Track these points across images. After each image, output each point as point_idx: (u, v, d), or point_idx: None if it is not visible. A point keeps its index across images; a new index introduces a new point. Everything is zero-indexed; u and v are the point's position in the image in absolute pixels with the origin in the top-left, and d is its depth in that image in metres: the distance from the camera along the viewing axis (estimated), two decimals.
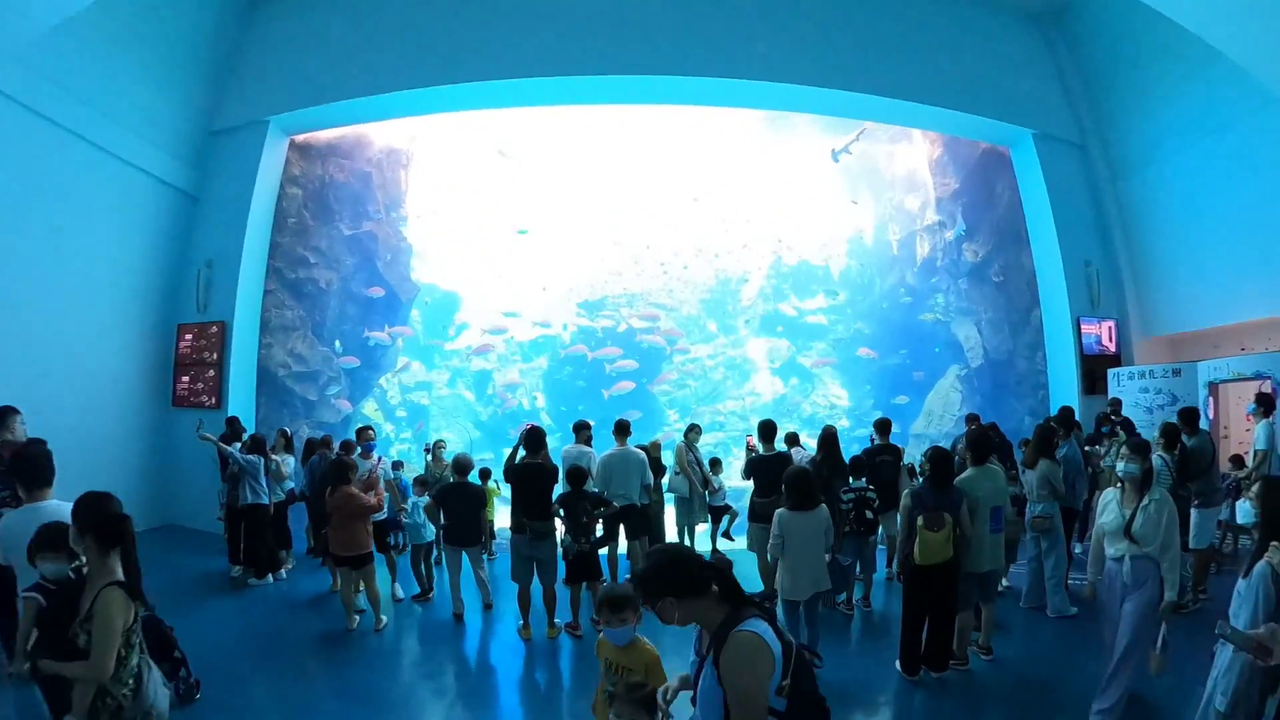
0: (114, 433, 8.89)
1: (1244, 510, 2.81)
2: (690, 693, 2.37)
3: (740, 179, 17.69)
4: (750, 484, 6.85)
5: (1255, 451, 6.62)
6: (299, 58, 10.26)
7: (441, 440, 8.91)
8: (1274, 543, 3.09)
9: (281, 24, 10.51)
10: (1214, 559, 6.48)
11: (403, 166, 13.42)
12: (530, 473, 5.96)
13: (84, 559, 2.79)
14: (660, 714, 2.57)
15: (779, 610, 4.84)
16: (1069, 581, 6.24)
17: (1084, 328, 10.22)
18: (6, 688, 3.42)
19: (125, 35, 8.77)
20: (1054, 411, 10.54)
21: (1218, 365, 8.24)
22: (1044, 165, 10.49)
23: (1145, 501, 4.03)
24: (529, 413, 16.60)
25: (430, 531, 6.99)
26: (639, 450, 7.24)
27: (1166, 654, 3.81)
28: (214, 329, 9.88)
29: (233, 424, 8.50)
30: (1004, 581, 6.53)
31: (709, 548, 8.45)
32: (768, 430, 6.80)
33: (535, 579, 5.98)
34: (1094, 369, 10.16)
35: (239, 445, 7.63)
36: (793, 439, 8.13)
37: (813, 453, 7.21)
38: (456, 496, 6.47)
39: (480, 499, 6.72)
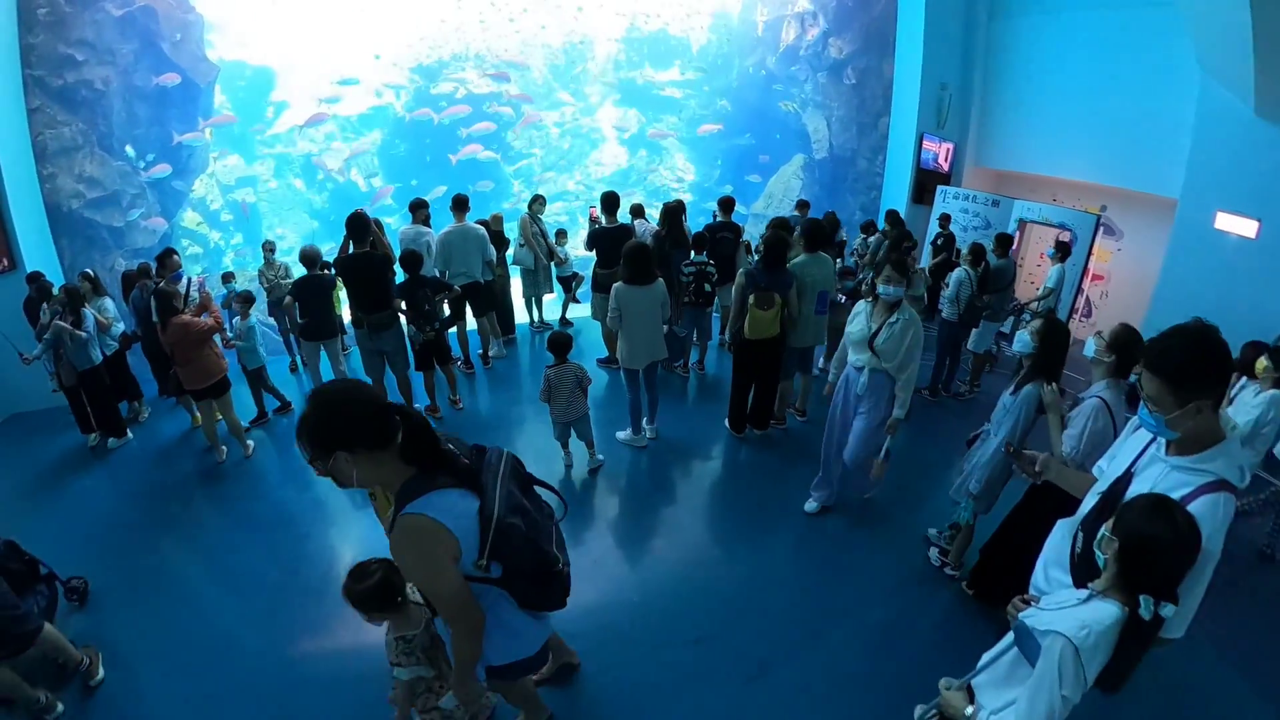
0: None
1: (1022, 340, 3.51)
2: None
3: None
4: (594, 254, 7.03)
5: (1045, 287, 7.98)
6: None
7: (270, 241, 8.28)
8: (1043, 381, 3.50)
9: None
10: (990, 361, 7.98)
11: None
12: (359, 264, 5.65)
13: None
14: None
15: (622, 375, 5.57)
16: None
17: (925, 144, 10.96)
18: None
19: None
20: (882, 210, 11.97)
21: (1031, 207, 9.56)
22: None
23: (894, 318, 4.06)
24: (364, 195, 15.20)
25: (262, 355, 6.49)
26: (478, 226, 7.08)
27: (887, 463, 4.26)
28: None
29: (36, 281, 7.30)
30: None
31: (559, 316, 9.05)
32: (610, 202, 6.84)
33: (389, 370, 6.05)
34: (925, 183, 11.15)
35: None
36: (637, 210, 7.97)
37: (656, 225, 7.31)
38: (310, 290, 6.32)
39: (330, 289, 6.58)
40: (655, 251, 6.50)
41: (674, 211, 6.93)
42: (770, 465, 5.57)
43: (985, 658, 2.17)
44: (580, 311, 9.15)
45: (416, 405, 6.32)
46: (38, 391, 8.18)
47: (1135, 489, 2.06)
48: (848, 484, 4.79)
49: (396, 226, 12.26)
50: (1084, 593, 1.92)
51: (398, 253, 6.23)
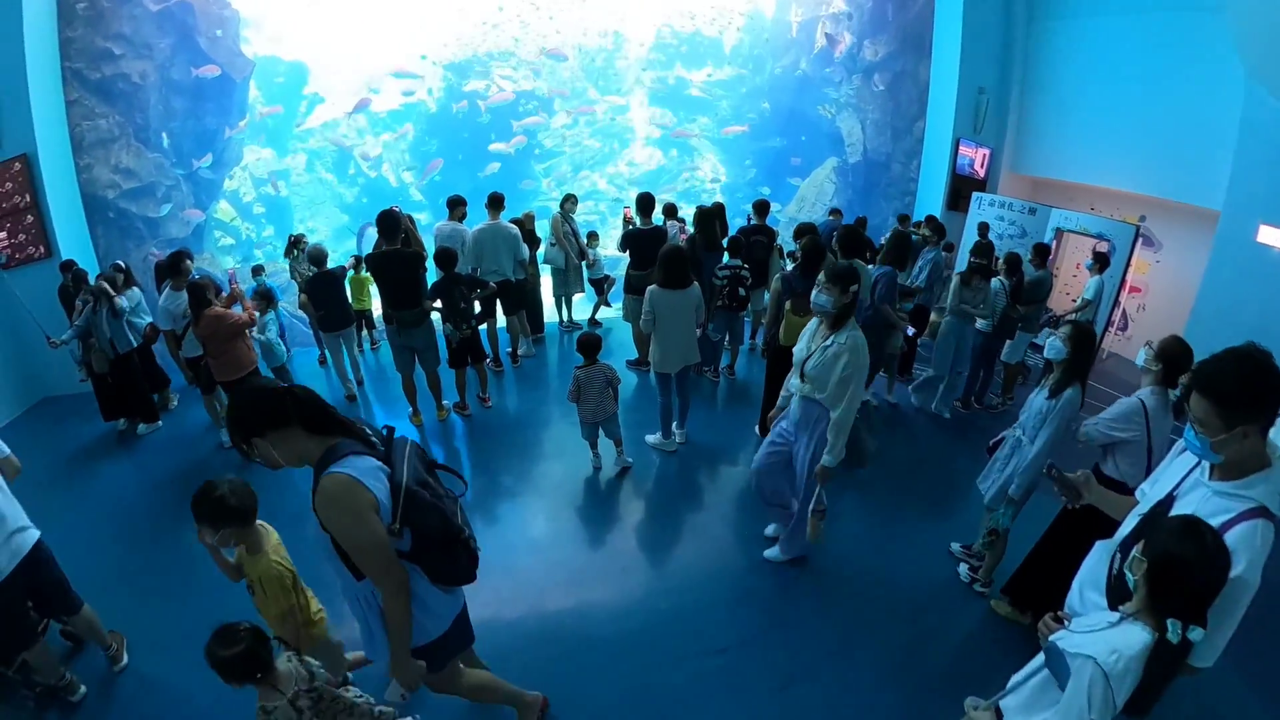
0: None
1: (1054, 347, 3.49)
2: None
3: None
4: (626, 255, 7.10)
5: (1082, 299, 7.88)
6: None
7: (299, 235, 8.48)
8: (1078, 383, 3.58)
9: None
10: (1022, 372, 7.90)
11: None
12: (389, 261, 5.67)
13: None
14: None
15: (652, 378, 5.62)
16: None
17: (962, 149, 10.85)
18: None
19: None
20: (917, 217, 11.85)
21: (1068, 216, 9.43)
22: None
23: (828, 341, 3.61)
24: (395, 191, 15.43)
25: (284, 353, 6.58)
26: (511, 224, 7.15)
27: (820, 522, 3.81)
28: (16, 166, 8.01)
29: (70, 269, 7.43)
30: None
31: (588, 317, 9.12)
32: (645, 203, 6.87)
33: (419, 366, 6.13)
34: (960, 189, 11.03)
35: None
36: (670, 211, 8.17)
37: (690, 227, 7.41)
38: (320, 286, 6.70)
39: (341, 282, 6.90)
40: (690, 251, 6.62)
41: (708, 215, 6.94)
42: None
43: (1015, 679, 2.18)
44: (610, 313, 9.25)
45: (446, 402, 6.47)
46: (69, 377, 8.42)
47: (1176, 513, 2.05)
48: (792, 539, 4.33)
49: (429, 223, 12.55)
50: (1115, 615, 1.93)
51: (431, 250, 6.32)
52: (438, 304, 5.93)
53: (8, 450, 3.22)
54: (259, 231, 13.65)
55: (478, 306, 6.41)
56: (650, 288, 5.17)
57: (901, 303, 6.27)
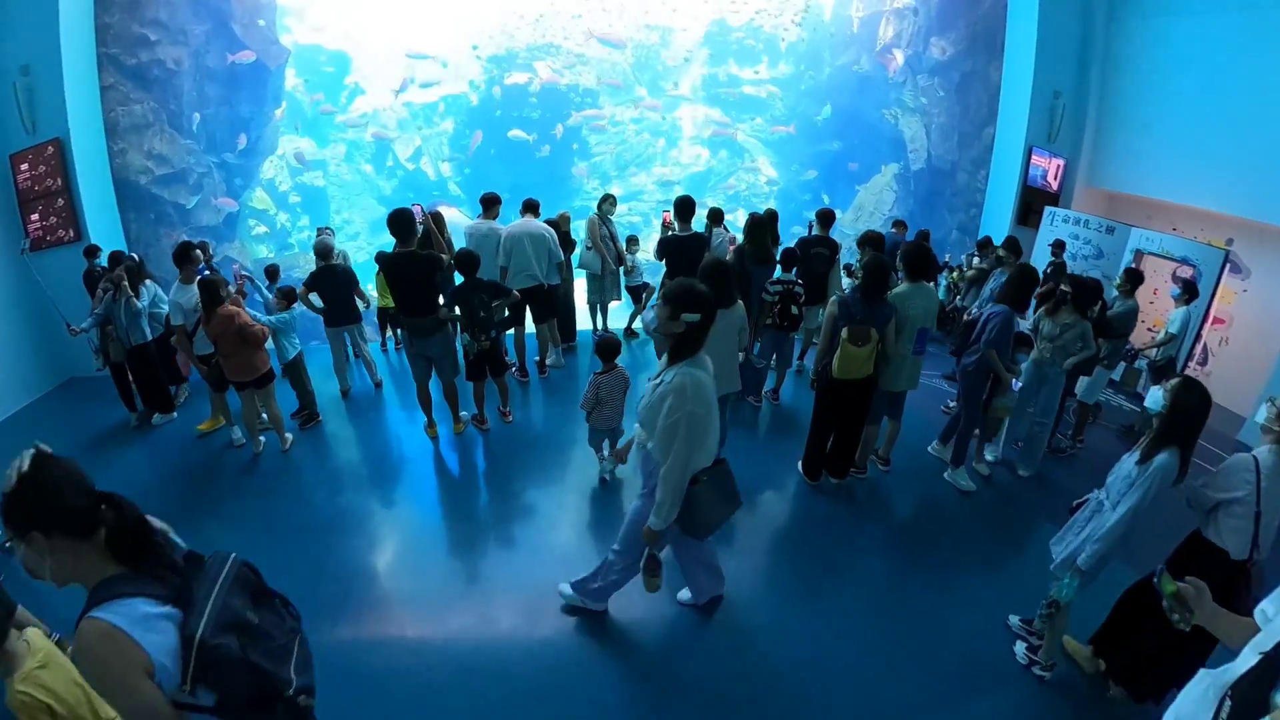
0: None
1: (1155, 397, 2.99)
2: None
3: None
4: (663, 264, 6.65)
5: (1166, 333, 7.04)
6: None
7: (326, 228, 8.40)
8: (1177, 450, 3.11)
9: None
10: (1095, 414, 7.17)
11: None
12: (400, 263, 5.38)
13: None
14: None
15: None
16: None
17: (1034, 158, 10.21)
18: None
19: None
20: (984, 232, 11.21)
21: (1150, 236, 8.69)
22: None
23: (658, 379, 3.17)
24: (434, 184, 15.34)
25: (296, 344, 6.51)
26: (544, 225, 6.88)
27: (653, 578, 3.45)
28: (49, 150, 8.07)
29: (95, 255, 7.55)
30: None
31: (624, 326, 8.75)
32: (685, 207, 6.42)
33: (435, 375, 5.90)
34: (1031, 202, 10.39)
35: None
36: (716, 217, 7.61)
37: (738, 235, 7.06)
38: (325, 280, 6.65)
39: (349, 278, 6.79)
40: (737, 264, 6.22)
41: (759, 223, 6.43)
42: (844, 521, 5.06)
43: None
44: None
45: (463, 414, 6.22)
46: (93, 360, 8.45)
47: None
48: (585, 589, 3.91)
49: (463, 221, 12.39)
50: None
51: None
52: (456, 311, 5.63)
53: None
54: (294, 221, 13.68)
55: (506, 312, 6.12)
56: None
57: (1017, 352, 5.51)
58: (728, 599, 4.11)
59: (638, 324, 8.72)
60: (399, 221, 5.35)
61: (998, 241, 8.08)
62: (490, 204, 6.93)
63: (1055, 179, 10.40)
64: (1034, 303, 5.81)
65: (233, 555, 1.88)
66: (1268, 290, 8.21)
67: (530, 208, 6.86)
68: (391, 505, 5.27)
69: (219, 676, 1.63)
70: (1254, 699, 1.55)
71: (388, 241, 5.53)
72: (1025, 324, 5.71)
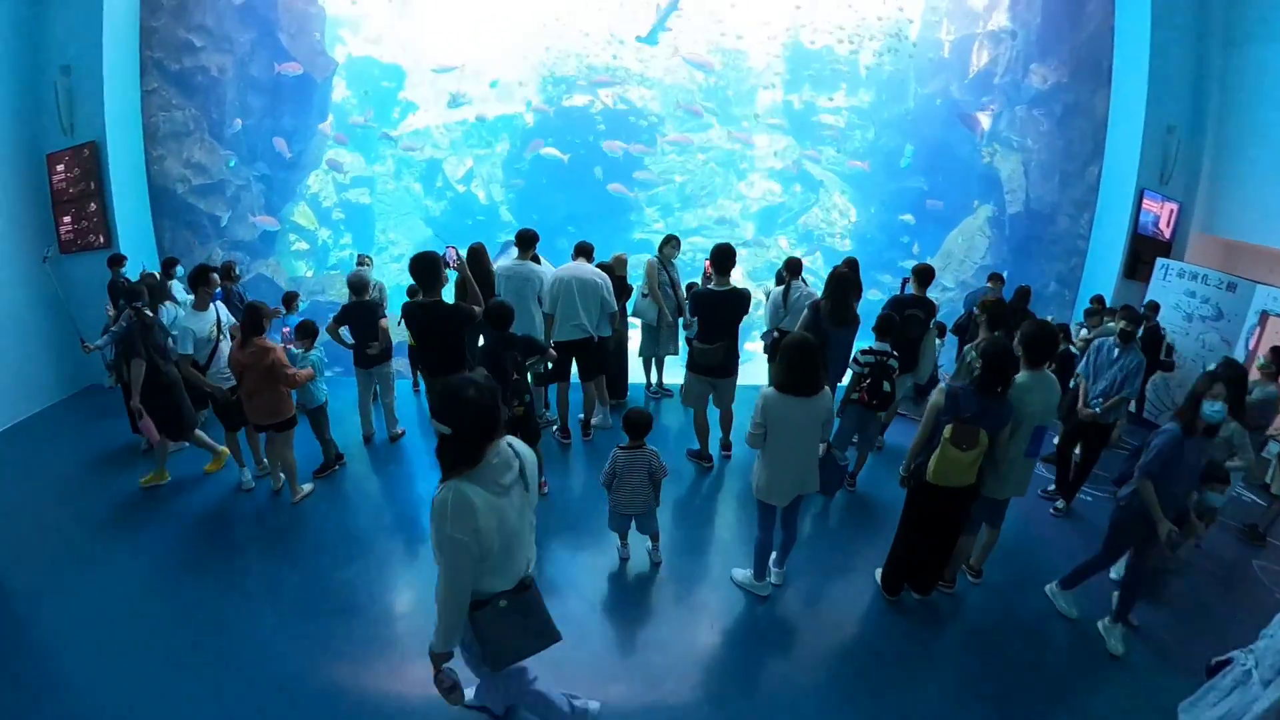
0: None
1: None
2: None
3: None
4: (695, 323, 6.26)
5: None
6: None
7: (365, 256, 8.36)
8: None
9: None
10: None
11: None
12: (425, 315, 5.25)
13: None
14: None
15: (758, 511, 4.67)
16: None
17: (1145, 202, 9.67)
18: None
19: None
20: (1088, 286, 10.59)
21: (1278, 295, 8.03)
22: None
23: None
24: (484, 209, 15.90)
25: (323, 391, 6.31)
26: (597, 270, 6.65)
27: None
28: (85, 153, 8.83)
29: (119, 265, 7.85)
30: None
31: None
32: (722, 258, 5.92)
33: None
34: (1141, 252, 9.83)
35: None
36: (794, 268, 7.23)
37: (817, 291, 6.72)
38: (357, 317, 6.57)
39: (377, 314, 6.72)
40: (811, 324, 5.96)
41: (843, 280, 6.10)
42: (926, 649, 4.53)
43: None
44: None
45: None
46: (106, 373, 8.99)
47: None
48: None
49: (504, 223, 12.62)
50: None
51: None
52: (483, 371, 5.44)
53: None
54: (336, 238, 14.42)
55: (547, 365, 6.01)
56: (765, 390, 4.31)
57: (1206, 492, 4.72)
58: None
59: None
60: (423, 268, 5.19)
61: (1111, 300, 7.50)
62: (526, 243, 6.70)
63: (1168, 226, 9.82)
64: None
65: None
66: None
67: (583, 251, 6.68)
68: (401, 585, 5.00)
69: None
70: None
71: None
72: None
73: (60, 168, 8.90)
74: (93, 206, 8.98)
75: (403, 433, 7.35)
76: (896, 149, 15.08)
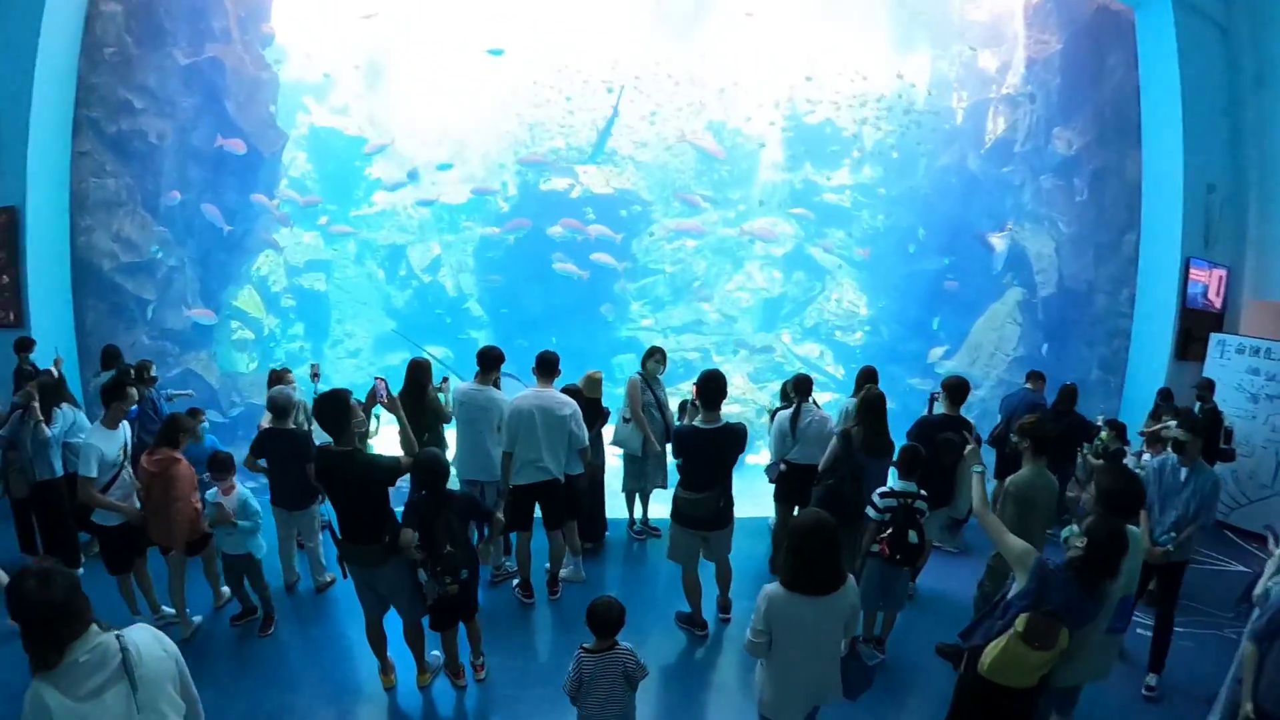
0: None
1: None
2: None
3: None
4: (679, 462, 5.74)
5: None
6: None
7: (284, 369, 7.58)
8: None
9: None
10: None
11: None
12: (333, 466, 4.62)
13: None
14: None
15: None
16: None
17: (1193, 272, 9.61)
18: None
19: None
20: (1135, 371, 10.28)
21: None
22: (1180, 43, 9.30)
23: None
24: (451, 300, 15.80)
25: (262, 547, 5.79)
26: (565, 397, 6.08)
27: None
28: (2, 217, 8.66)
29: (27, 350, 7.59)
30: None
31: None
32: (712, 388, 5.38)
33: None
34: (1192, 328, 9.68)
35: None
36: (803, 387, 6.71)
37: (832, 413, 6.51)
38: (274, 446, 6.04)
39: (304, 449, 5.91)
40: (843, 458, 5.63)
41: (878, 402, 5.83)
42: None
43: None
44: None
45: (432, 657, 5.29)
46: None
47: None
48: None
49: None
50: None
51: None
52: (415, 539, 4.77)
53: None
54: (285, 328, 14.19)
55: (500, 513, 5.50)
56: (768, 589, 3.69)
57: None
58: None
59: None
60: (326, 412, 4.62)
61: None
62: (490, 364, 6.28)
63: (1218, 295, 9.81)
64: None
65: None
66: None
67: (545, 368, 6.10)
68: None
69: None
70: None
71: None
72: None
73: None
74: (5, 279, 8.74)
75: (332, 580, 6.56)
76: (909, 229, 15.20)
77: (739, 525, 5.88)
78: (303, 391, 7.42)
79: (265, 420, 6.40)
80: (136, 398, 5.95)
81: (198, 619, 5.80)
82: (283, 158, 12.84)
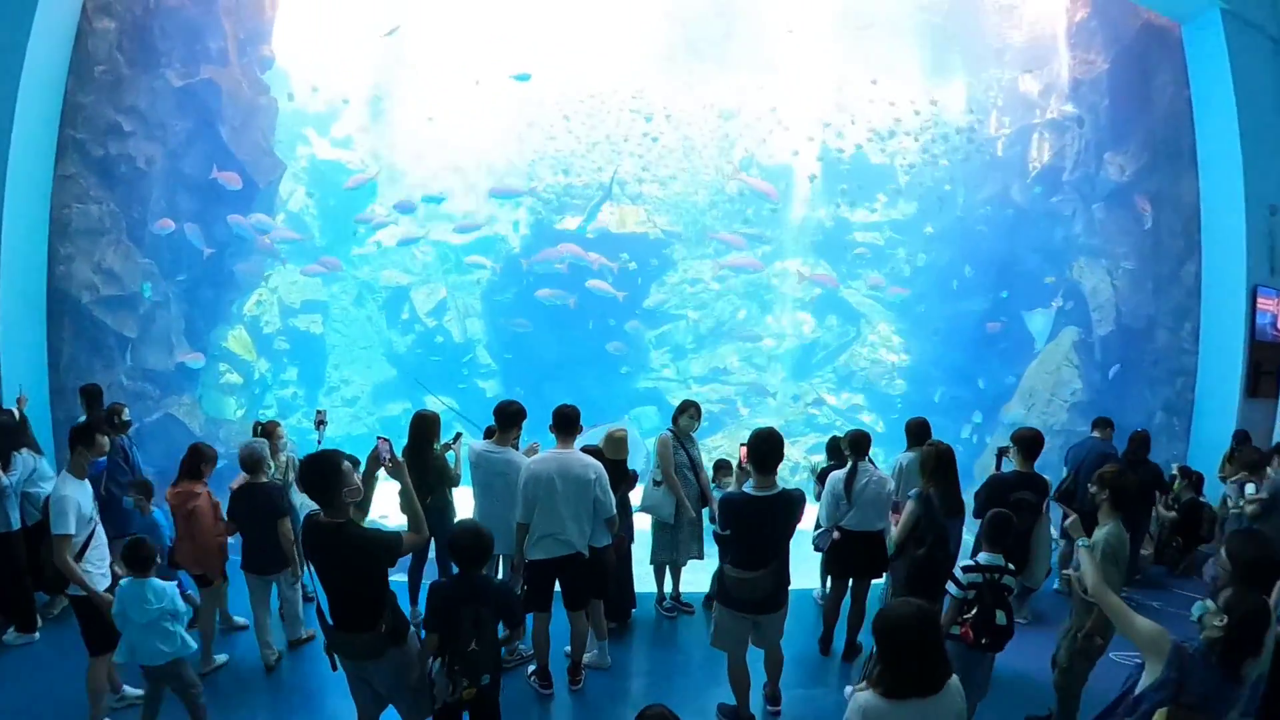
0: None
1: None
2: None
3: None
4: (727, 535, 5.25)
5: None
6: None
7: (257, 422, 7.60)
8: None
9: None
10: None
11: None
12: (323, 541, 4.13)
13: None
14: None
15: None
16: None
17: (1260, 301, 9.58)
18: None
19: None
20: (1202, 411, 10.09)
21: None
22: (1232, 57, 9.42)
23: None
24: (457, 348, 15.95)
25: (191, 644, 5.02)
26: (588, 458, 5.70)
27: None
28: None
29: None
30: None
31: (707, 593, 7.23)
32: (763, 450, 4.97)
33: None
34: (1262, 361, 9.64)
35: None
36: (859, 446, 6.34)
37: (887, 471, 6.35)
38: (246, 504, 5.83)
39: (275, 506, 5.85)
40: (925, 522, 5.29)
41: (946, 457, 5.55)
42: None
43: None
44: None
45: None
46: None
47: None
48: None
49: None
50: None
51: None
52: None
53: None
54: (277, 373, 14.34)
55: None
56: (860, 696, 3.29)
57: None
58: None
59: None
60: (313, 477, 4.20)
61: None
62: (509, 420, 6.07)
63: None
64: None
65: None
66: None
67: (564, 425, 5.72)
68: None
69: None
70: None
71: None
72: None
73: None
74: None
75: (311, 636, 6.36)
76: (949, 266, 15.19)
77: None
78: (293, 447, 7.66)
79: (237, 481, 6.11)
80: (106, 447, 5.59)
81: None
82: (280, 190, 13.19)
